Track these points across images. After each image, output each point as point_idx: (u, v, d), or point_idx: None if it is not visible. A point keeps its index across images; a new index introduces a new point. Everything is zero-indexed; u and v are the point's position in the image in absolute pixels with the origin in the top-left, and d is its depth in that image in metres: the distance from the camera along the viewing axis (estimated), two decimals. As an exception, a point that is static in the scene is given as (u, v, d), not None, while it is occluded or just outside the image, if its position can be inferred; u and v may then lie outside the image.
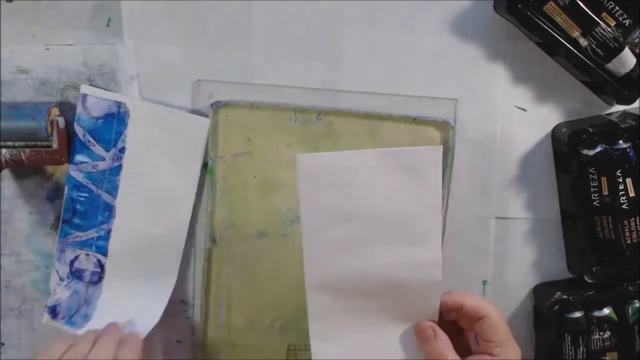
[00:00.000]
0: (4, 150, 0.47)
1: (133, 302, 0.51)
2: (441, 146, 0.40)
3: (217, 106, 0.50)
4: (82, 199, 0.50)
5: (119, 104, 0.49)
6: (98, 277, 0.51)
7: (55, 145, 0.47)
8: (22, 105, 0.48)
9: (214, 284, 0.53)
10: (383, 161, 0.40)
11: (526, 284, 0.55)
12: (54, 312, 0.51)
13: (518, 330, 0.55)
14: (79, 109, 0.49)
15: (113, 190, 0.50)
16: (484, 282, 0.54)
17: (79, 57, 0.49)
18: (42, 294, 0.53)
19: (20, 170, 0.51)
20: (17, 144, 0.47)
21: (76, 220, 0.50)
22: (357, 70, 0.50)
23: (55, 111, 0.48)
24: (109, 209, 0.50)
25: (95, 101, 0.49)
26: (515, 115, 0.52)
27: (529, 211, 0.53)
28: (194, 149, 0.50)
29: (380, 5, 0.49)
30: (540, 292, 0.54)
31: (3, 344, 0.54)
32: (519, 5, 0.46)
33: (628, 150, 0.49)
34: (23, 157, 0.47)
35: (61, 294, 0.51)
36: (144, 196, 0.50)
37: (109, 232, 0.51)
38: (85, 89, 0.49)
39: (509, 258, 0.54)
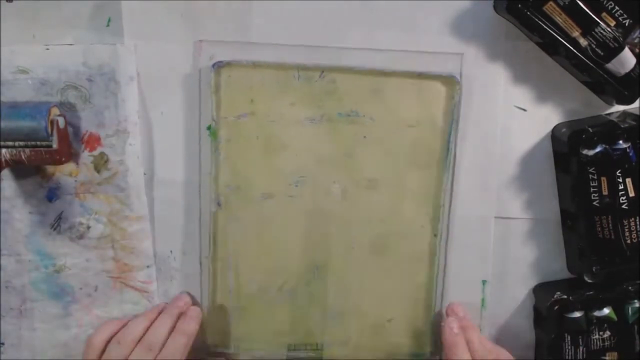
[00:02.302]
0: (4, 150, 0.47)
1: None
2: None
3: (219, 66, 0.49)
4: None
5: None
6: None
7: (55, 145, 0.47)
8: (22, 105, 0.48)
9: (221, 248, 0.52)
10: None
11: (526, 284, 0.55)
12: None
13: (518, 330, 0.55)
14: None
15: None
16: (484, 282, 0.54)
17: (79, 57, 0.49)
18: (42, 294, 0.53)
19: (20, 170, 0.51)
20: (17, 144, 0.47)
21: None
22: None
23: (55, 111, 0.48)
24: None
25: None
26: (515, 115, 0.52)
27: (529, 211, 0.53)
28: None
29: (381, 5, 0.49)
30: (540, 292, 0.54)
31: (3, 344, 0.54)
32: (519, 5, 0.46)
33: (628, 150, 0.49)
34: (23, 157, 0.47)
35: None
36: None
37: None
38: None
39: (509, 258, 0.54)
